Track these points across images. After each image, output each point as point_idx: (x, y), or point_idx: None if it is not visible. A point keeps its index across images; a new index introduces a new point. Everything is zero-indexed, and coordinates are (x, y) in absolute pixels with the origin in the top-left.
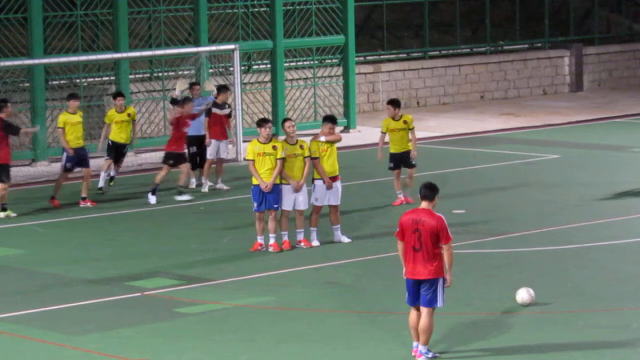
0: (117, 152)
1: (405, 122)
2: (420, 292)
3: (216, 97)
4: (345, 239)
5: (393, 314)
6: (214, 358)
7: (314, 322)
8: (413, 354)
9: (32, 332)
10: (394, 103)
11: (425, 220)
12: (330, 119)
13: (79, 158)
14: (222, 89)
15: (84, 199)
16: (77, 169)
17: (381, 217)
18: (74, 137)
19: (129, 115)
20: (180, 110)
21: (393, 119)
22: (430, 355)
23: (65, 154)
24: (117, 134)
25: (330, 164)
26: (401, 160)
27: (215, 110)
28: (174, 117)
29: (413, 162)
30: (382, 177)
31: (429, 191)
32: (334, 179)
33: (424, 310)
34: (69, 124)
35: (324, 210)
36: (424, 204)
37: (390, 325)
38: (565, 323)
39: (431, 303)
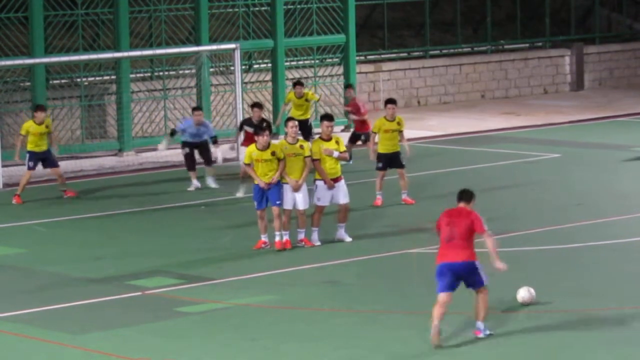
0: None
1: (398, 123)
2: (457, 281)
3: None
4: (347, 238)
5: (394, 313)
6: (215, 357)
7: (315, 322)
8: (431, 336)
9: (33, 331)
10: (394, 102)
11: (461, 216)
12: (327, 117)
13: (45, 159)
14: (256, 106)
15: (65, 190)
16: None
17: (382, 217)
18: (35, 145)
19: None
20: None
21: (388, 119)
22: (487, 332)
23: (28, 154)
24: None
25: (331, 166)
26: (390, 161)
27: (247, 128)
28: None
29: (404, 162)
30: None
31: (468, 195)
32: (336, 179)
33: (481, 291)
34: (32, 133)
35: (329, 210)
36: (462, 204)
37: (392, 325)
38: (566, 322)
39: (481, 283)
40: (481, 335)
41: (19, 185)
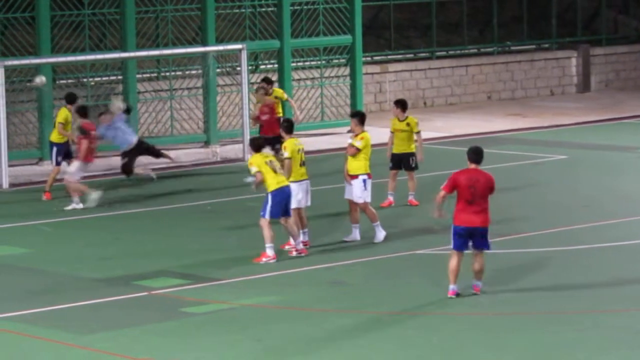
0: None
1: (408, 124)
2: (469, 240)
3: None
4: (376, 238)
5: (399, 314)
6: (220, 358)
7: (320, 322)
8: (450, 295)
9: (39, 331)
10: (398, 103)
11: (479, 178)
12: (356, 115)
13: (67, 153)
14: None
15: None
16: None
17: (388, 217)
18: (61, 137)
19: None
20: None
21: (398, 119)
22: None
23: (55, 149)
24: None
25: (349, 161)
26: (400, 162)
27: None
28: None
29: (413, 165)
30: (388, 177)
31: (479, 156)
32: (352, 177)
33: (479, 253)
34: (69, 122)
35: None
36: (473, 166)
37: (397, 325)
38: (570, 323)
39: (487, 247)
40: (479, 291)
41: (48, 181)
